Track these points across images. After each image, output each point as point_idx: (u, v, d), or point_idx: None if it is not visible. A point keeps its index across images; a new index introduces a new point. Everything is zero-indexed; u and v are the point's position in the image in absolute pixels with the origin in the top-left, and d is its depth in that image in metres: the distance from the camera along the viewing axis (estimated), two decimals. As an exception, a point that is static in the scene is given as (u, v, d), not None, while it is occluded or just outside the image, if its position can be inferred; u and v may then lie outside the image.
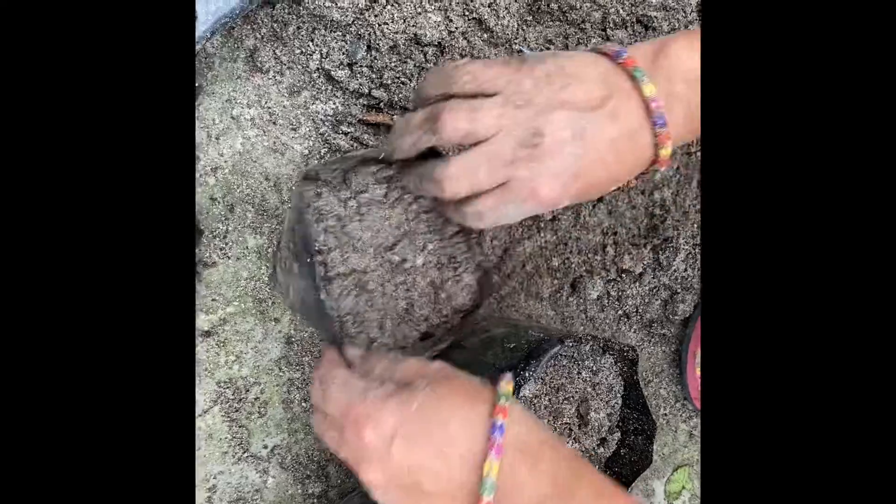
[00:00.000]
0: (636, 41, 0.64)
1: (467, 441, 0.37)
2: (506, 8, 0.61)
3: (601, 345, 0.57)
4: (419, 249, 0.49)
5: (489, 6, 0.61)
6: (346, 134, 0.61)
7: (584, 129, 0.40)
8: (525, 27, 0.62)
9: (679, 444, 0.75)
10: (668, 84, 0.42)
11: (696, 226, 0.69)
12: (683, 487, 0.75)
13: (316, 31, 0.58)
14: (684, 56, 0.42)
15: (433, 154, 0.46)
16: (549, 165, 0.40)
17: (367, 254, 0.48)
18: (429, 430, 0.38)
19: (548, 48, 0.63)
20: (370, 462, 0.38)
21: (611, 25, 0.63)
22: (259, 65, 0.58)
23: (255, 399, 0.61)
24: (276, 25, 0.58)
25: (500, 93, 0.41)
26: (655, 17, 0.64)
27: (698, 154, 0.68)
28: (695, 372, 0.69)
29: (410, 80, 0.60)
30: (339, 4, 0.57)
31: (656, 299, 0.70)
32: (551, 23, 0.63)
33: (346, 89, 0.60)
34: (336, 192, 0.48)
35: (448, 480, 0.37)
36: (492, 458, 0.36)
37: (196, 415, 0.60)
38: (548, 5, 0.62)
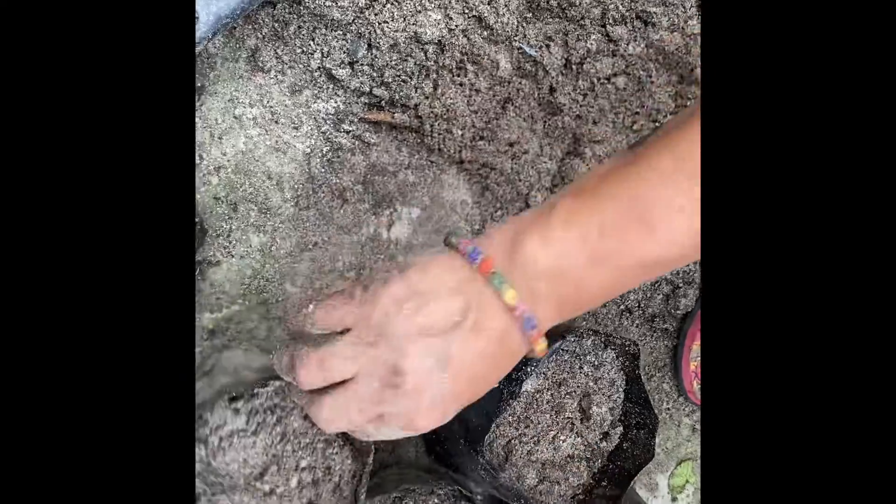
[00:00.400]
0: (636, 37, 0.64)
1: None
2: (505, 5, 0.62)
3: (603, 339, 0.57)
4: (292, 470, 0.49)
5: (489, 4, 0.61)
6: (347, 132, 0.61)
7: (448, 353, 0.38)
8: (525, 24, 0.63)
9: (682, 439, 0.76)
10: (529, 282, 0.38)
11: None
12: (687, 481, 0.75)
13: (317, 31, 0.59)
14: (539, 256, 0.38)
15: None
16: (418, 400, 0.38)
17: (237, 488, 0.47)
18: None
19: (547, 45, 0.63)
20: None
21: (610, 21, 0.64)
22: (261, 64, 0.59)
23: (260, 396, 0.62)
24: (276, 25, 0.58)
25: (351, 330, 0.39)
26: (655, 12, 0.64)
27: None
28: (689, 367, 0.70)
29: (411, 78, 0.60)
30: (339, 3, 0.57)
31: (658, 294, 0.71)
32: (551, 19, 0.63)
33: (348, 88, 0.60)
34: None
35: None
36: None
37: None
38: (547, 2, 0.62)
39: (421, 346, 0.37)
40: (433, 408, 0.38)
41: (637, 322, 0.72)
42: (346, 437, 0.50)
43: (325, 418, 0.40)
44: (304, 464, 0.49)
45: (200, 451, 0.47)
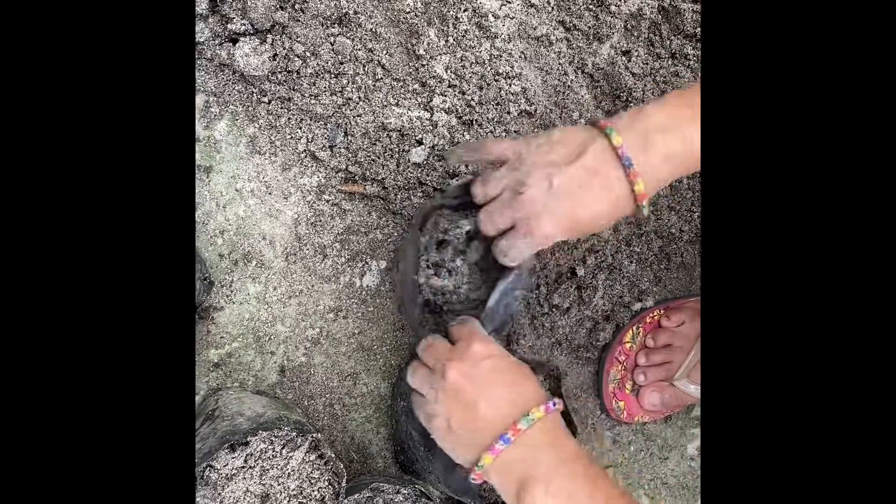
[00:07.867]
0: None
1: None
2: (452, 101, 0.77)
3: (534, 366, 0.72)
4: (285, 494, 0.64)
5: (441, 95, 0.77)
6: (328, 201, 0.76)
7: (559, 178, 0.55)
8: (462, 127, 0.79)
9: (605, 449, 0.91)
10: (642, 138, 0.54)
11: (609, 270, 0.85)
12: (610, 485, 0.90)
13: (303, 122, 0.73)
14: (654, 115, 0.55)
15: None
16: (532, 207, 0.55)
17: None
18: None
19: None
20: None
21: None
22: (258, 148, 0.73)
23: (255, 418, 0.75)
24: (271, 117, 0.73)
25: (507, 161, 0.59)
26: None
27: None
28: (608, 388, 0.85)
29: (379, 158, 0.75)
30: (321, 101, 0.72)
31: (582, 328, 0.86)
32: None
33: (328, 166, 0.75)
34: None
35: None
36: None
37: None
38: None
39: (543, 172, 0.55)
40: (550, 218, 0.55)
41: (565, 352, 0.87)
42: (325, 465, 0.64)
43: (481, 220, 0.59)
44: (292, 487, 0.62)
45: (208, 490, 0.60)
